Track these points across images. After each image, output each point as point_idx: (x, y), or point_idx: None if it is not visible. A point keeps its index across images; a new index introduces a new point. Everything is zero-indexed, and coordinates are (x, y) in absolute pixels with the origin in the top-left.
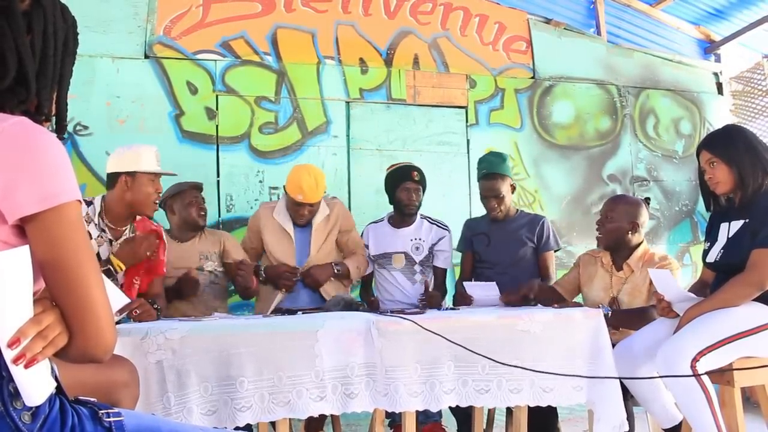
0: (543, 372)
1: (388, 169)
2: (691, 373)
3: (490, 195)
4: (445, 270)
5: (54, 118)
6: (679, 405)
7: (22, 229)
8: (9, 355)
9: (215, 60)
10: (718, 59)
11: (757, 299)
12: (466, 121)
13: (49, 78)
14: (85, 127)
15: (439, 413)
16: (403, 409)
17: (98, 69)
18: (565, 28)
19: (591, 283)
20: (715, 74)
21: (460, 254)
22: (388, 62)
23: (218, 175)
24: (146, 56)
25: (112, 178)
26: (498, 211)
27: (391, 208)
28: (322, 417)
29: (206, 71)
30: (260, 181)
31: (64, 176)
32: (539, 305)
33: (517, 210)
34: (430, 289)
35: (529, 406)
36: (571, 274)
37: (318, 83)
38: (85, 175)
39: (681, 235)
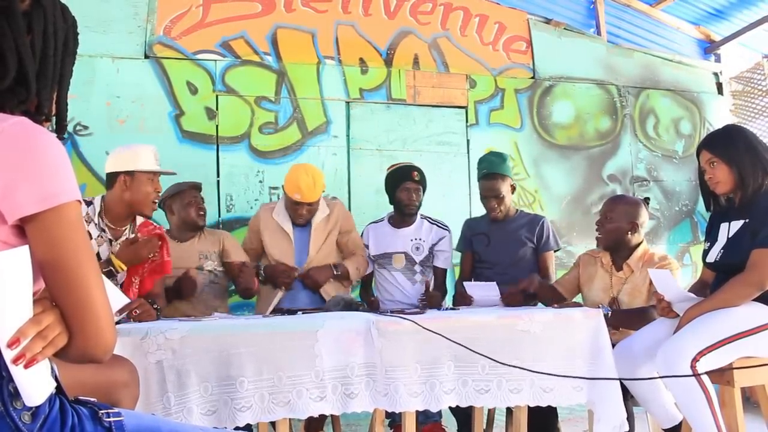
0: (543, 372)
1: (388, 169)
2: (691, 373)
3: (490, 195)
4: (445, 270)
5: (54, 118)
6: (679, 405)
7: (22, 229)
8: (9, 355)
9: (215, 60)
10: (718, 59)
11: (757, 299)
12: (466, 121)
13: (49, 78)
14: (85, 127)
15: (439, 413)
16: (403, 409)
17: (98, 69)
18: (565, 28)
19: (591, 284)
20: (715, 74)
21: (459, 254)
22: (388, 62)
23: (218, 175)
24: (146, 56)
25: (111, 178)
26: (498, 211)
27: (391, 208)
28: (322, 417)
29: (206, 71)
30: (260, 181)
31: (63, 176)
32: (539, 304)
33: (517, 210)
34: (431, 289)
35: (529, 406)
36: (571, 273)
37: (318, 83)
38: (85, 175)
39: (681, 235)
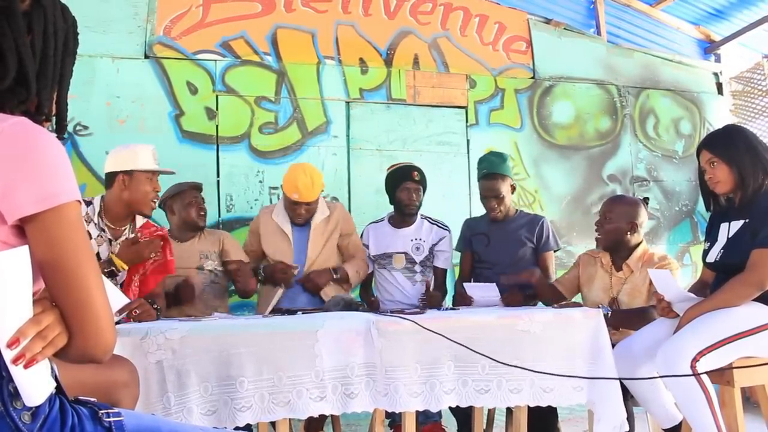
0: (543, 372)
1: (388, 169)
2: (691, 373)
3: (490, 195)
4: (446, 270)
5: (54, 118)
6: (679, 405)
7: (22, 229)
8: (8, 355)
9: (215, 60)
10: (718, 59)
11: (757, 299)
12: (466, 121)
13: (50, 78)
14: (85, 127)
15: (439, 413)
16: (403, 409)
17: (98, 69)
18: (565, 28)
19: (591, 284)
20: (715, 74)
21: (459, 254)
22: (388, 62)
23: (218, 175)
24: (146, 56)
25: (110, 178)
26: (498, 212)
27: (391, 208)
28: (322, 417)
29: (206, 71)
30: (260, 181)
31: (63, 176)
32: (539, 304)
33: (517, 210)
34: (431, 289)
35: (529, 406)
36: (571, 273)
37: (318, 83)
38: (85, 175)
39: (681, 235)
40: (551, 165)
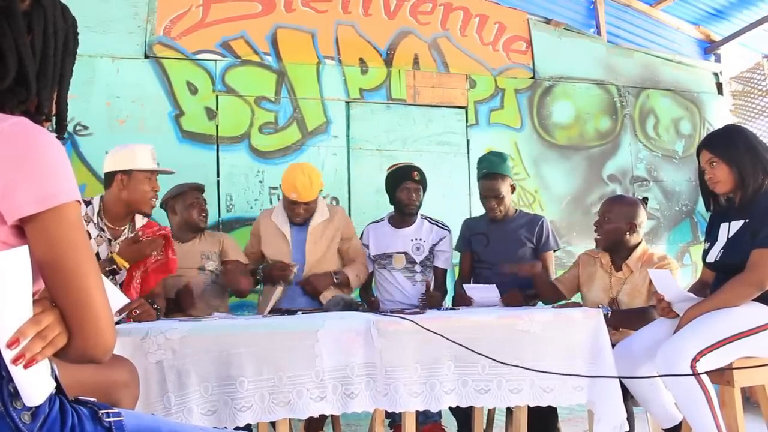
0: (543, 372)
1: (388, 169)
2: (691, 373)
3: (490, 195)
4: (446, 270)
5: (54, 118)
6: (679, 405)
7: (22, 229)
8: (8, 356)
9: (215, 60)
10: (718, 59)
11: (757, 299)
12: (466, 121)
13: (50, 78)
14: (85, 127)
15: (439, 413)
16: (403, 409)
17: (98, 69)
18: (565, 28)
19: (590, 284)
20: (715, 74)
21: (458, 254)
22: (388, 62)
23: (218, 175)
24: (146, 56)
25: (109, 178)
26: (498, 211)
27: (391, 208)
28: (322, 417)
29: (206, 71)
30: (260, 181)
31: (63, 177)
32: (539, 304)
33: (516, 210)
34: (431, 289)
35: (529, 407)
36: (570, 272)
37: (318, 83)
38: (85, 175)
39: (681, 235)
40: (551, 165)
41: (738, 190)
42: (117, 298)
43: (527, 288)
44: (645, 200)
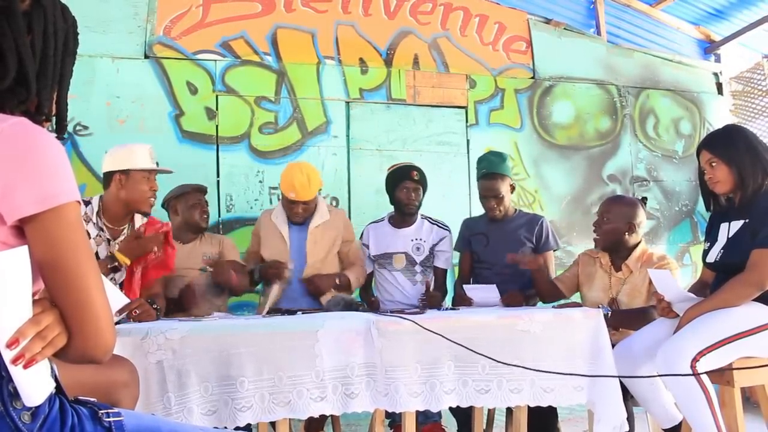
0: (543, 372)
1: (389, 169)
2: (691, 373)
3: (489, 195)
4: (446, 270)
5: (54, 118)
6: (679, 405)
7: (21, 229)
8: (8, 356)
9: (215, 60)
10: (718, 59)
11: (757, 299)
12: (466, 121)
13: (50, 78)
14: (85, 127)
15: (439, 413)
16: (404, 410)
17: (98, 69)
18: (565, 28)
19: (590, 284)
20: (715, 74)
21: (458, 254)
22: (388, 62)
23: (218, 175)
24: (146, 56)
25: (107, 178)
26: (497, 211)
27: (391, 208)
28: (323, 417)
29: (206, 71)
30: (260, 182)
31: (63, 177)
32: (539, 304)
33: (516, 210)
34: (431, 290)
35: (529, 407)
36: (570, 271)
37: (318, 83)
38: (85, 175)
39: (681, 235)
40: (551, 165)
41: (738, 190)
42: (117, 299)
43: (527, 288)
44: (644, 200)
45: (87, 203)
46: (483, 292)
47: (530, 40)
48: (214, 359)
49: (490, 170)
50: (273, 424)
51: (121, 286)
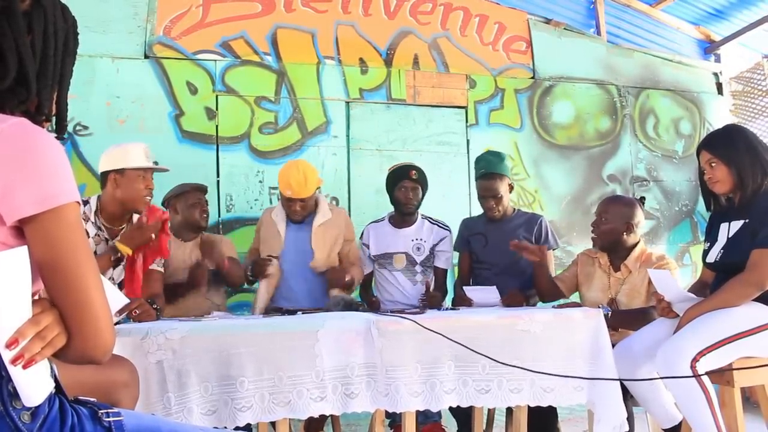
0: (543, 373)
1: (389, 169)
2: (691, 373)
3: (488, 195)
4: (446, 270)
5: (54, 118)
6: (678, 405)
7: (21, 230)
8: (7, 356)
9: (215, 60)
10: (718, 59)
11: (757, 299)
12: (466, 121)
13: (50, 78)
14: (85, 127)
15: (439, 413)
16: (404, 409)
17: (98, 69)
18: (565, 28)
19: (589, 284)
20: (715, 74)
21: (457, 254)
22: (388, 62)
23: (218, 175)
24: (146, 56)
25: (104, 178)
26: (496, 211)
27: (391, 208)
28: (323, 417)
29: (206, 71)
30: (260, 181)
31: (62, 177)
32: (539, 304)
33: (515, 209)
34: (431, 290)
35: (529, 406)
36: (570, 270)
37: (318, 83)
38: (85, 175)
39: (681, 235)
40: (551, 165)
41: (737, 191)
42: (117, 299)
43: (527, 288)
44: (642, 200)
45: (85, 203)
46: (483, 294)
47: (530, 40)
48: (214, 359)
49: (489, 170)
50: (273, 424)
51: (121, 285)
